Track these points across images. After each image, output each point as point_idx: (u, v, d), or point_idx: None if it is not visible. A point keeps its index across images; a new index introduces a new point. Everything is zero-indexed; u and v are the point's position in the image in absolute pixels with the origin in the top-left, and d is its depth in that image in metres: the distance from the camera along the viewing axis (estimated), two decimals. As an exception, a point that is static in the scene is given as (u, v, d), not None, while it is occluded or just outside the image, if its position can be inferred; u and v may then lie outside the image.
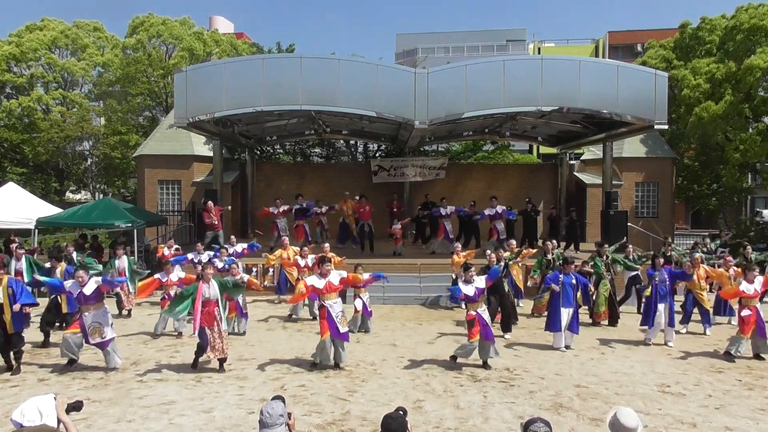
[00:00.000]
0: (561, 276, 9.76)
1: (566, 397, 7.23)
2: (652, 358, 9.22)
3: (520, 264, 12.88)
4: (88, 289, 8.26)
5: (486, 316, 8.53)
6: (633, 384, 7.83)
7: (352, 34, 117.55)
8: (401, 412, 3.52)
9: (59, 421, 3.43)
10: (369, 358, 9.06)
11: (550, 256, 12.43)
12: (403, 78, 14.35)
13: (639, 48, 39.47)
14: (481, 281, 8.52)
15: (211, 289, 8.28)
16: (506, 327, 10.62)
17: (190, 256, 12.26)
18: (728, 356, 9.10)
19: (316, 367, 8.39)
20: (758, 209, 27.99)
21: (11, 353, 8.27)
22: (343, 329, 8.39)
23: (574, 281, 9.80)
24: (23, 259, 11.11)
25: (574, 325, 9.74)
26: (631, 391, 7.55)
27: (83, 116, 28.17)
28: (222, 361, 8.37)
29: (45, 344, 9.79)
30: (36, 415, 3.34)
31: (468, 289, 8.42)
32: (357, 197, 17.06)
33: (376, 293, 13.82)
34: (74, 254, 12.58)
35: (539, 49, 48.38)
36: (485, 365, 8.49)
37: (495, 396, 7.27)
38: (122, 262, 12.30)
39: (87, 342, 8.27)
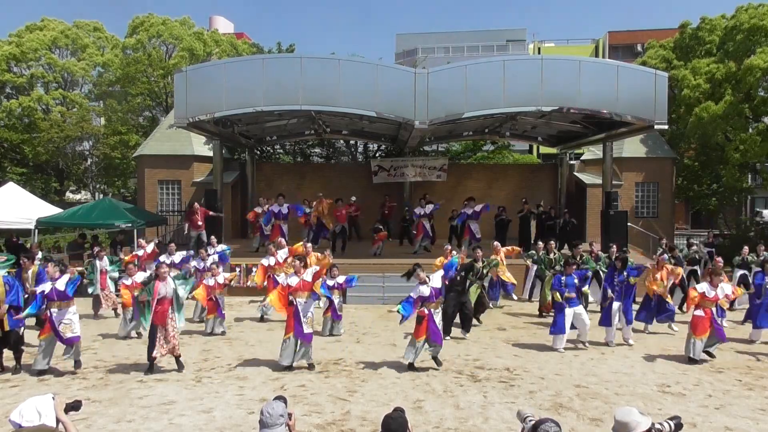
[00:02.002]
0: (563, 278, 9.78)
1: (566, 397, 7.23)
2: (652, 358, 9.22)
3: (504, 263, 12.77)
4: (61, 284, 8.15)
5: (438, 319, 8.42)
6: (633, 384, 7.83)
7: (352, 34, 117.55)
8: (400, 413, 3.51)
9: (58, 420, 3.42)
10: (369, 358, 9.06)
11: (552, 256, 12.46)
12: (403, 78, 14.34)
13: (639, 48, 39.42)
14: (437, 279, 8.40)
15: (166, 287, 8.25)
16: (466, 327, 10.53)
17: (162, 259, 11.92)
18: (691, 360, 8.95)
19: (288, 368, 8.30)
20: (758, 209, 28.00)
21: (13, 353, 8.25)
22: (307, 329, 8.33)
23: (576, 281, 9.84)
24: None
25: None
26: (631, 391, 7.55)
27: (83, 116, 28.14)
28: (177, 358, 8.31)
29: None
30: (34, 416, 3.33)
31: (423, 290, 8.33)
32: (353, 198, 17.07)
33: (376, 293, 13.86)
34: (39, 255, 12.20)
35: (539, 49, 48.34)
36: (435, 361, 8.45)
37: (495, 396, 7.27)
38: (104, 263, 12.28)
39: (60, 340, 8.12)
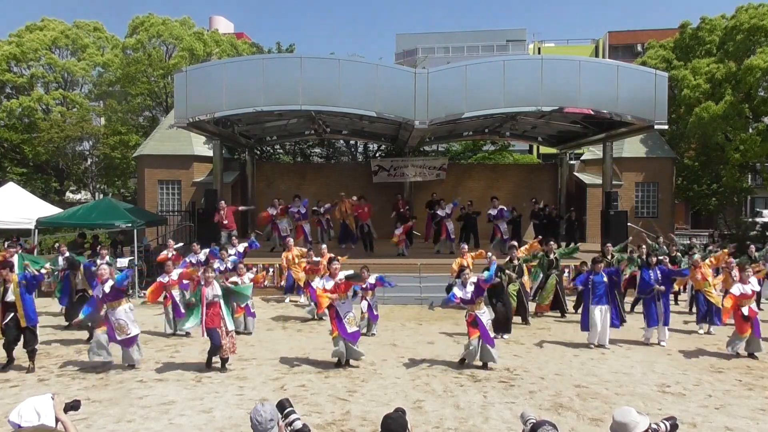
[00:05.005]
0: (591, 276, 9.84)
1: (566, 397, 7.23)
2: (652, 358, 9.21)
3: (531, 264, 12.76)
4: (107, 287, 8.32)
5: (485, 318, 8.48)
6: (633, 384, 7.82)
7: (352, 34, 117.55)
8: (400, 413, 3.50)
9: (57, 420, 3.41)
10: (369, 358, 9.03)
11: (552, 257, 12.43)
12: (403, 78, 14.34)
13: (639, 48, 39.43)
14: (472, 285, 8.42)
15: (213, 291, 8.30)
16: (504, 329, 10.53)
17: (188, 259, 12.00)
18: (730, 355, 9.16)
19: (340, 365, 8.45)
20: (758, 209, 28.03)
21: (25, 351, 8.29)
22: (351, 329, 8.39)
23: (605, 279, 9.85)
24: (15, 256, 11.03)
25: (614, 321, 9.87)
26: (631, 391, 7.54)
27: (83, 116, 28.14)
28: (224, 360, 8.36)
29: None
30: (33, 416, 3.31)
31: (463, 293, 8.39)
32: (355, 197, 16.98)
33: (376, 293, 13.82)
34: (67, 254, 12.24)
35: (539, 49, 48.35)
36: (484, 366, 8.47)
37: (495, 396, 7.27)
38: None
39: (112, 339, 8.30)
